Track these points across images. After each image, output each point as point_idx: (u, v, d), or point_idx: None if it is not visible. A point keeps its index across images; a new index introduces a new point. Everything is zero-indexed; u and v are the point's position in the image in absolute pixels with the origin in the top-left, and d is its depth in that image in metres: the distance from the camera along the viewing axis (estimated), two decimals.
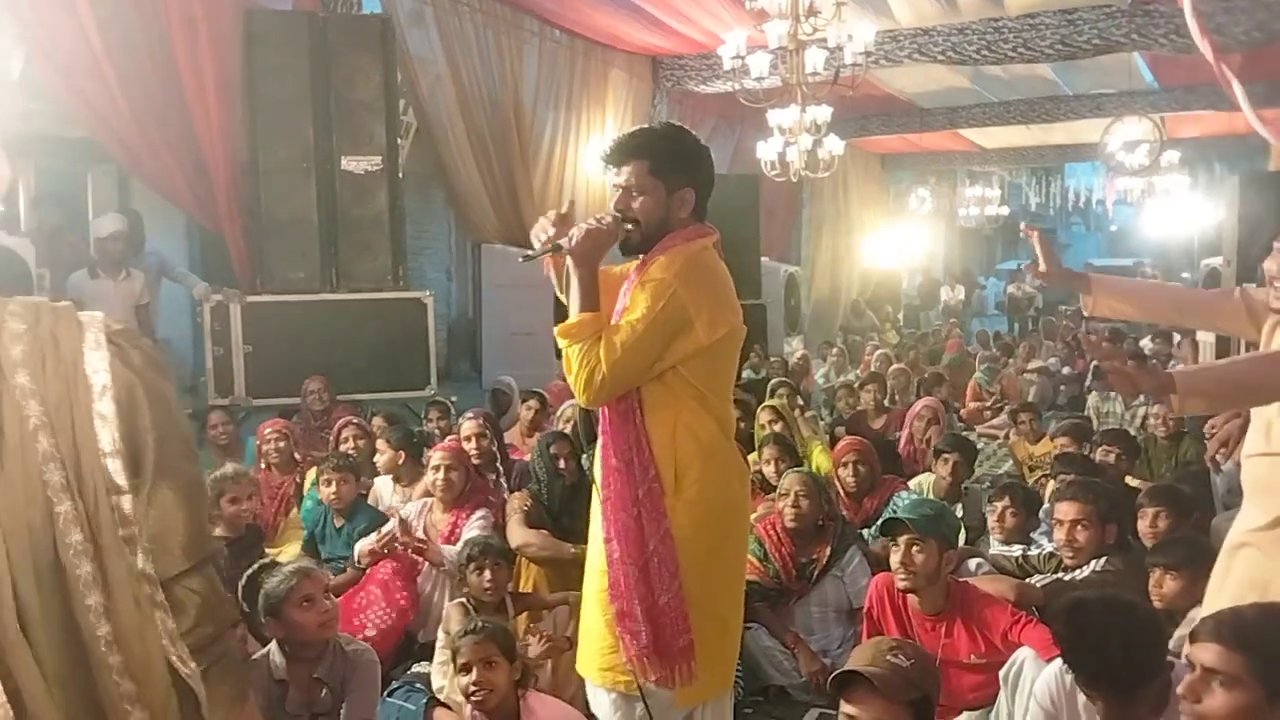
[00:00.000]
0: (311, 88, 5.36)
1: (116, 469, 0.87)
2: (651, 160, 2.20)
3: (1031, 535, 3.71)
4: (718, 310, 2.17)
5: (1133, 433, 5.50)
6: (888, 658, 2.02)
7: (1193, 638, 1.77)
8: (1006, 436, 6.25)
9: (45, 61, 4.61)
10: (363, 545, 3.64)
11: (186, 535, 0.93)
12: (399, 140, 5.86)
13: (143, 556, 0.89)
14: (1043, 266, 2.64)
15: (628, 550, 2.16)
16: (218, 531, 3.60)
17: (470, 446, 4.33)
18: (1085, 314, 2.65)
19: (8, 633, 0.83)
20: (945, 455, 4.39)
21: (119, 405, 0.88)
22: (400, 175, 5.76)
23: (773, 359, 8.63)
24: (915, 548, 2.88)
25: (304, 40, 5.34)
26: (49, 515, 0.85)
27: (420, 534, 3.69)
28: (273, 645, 2.71)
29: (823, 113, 6.90)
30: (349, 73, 5.42)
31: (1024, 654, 2.72)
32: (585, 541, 3.71)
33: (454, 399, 5.85)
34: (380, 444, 4.46)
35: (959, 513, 4.25)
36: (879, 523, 2.98)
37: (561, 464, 3.84)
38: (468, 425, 4.46)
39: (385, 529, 3.60)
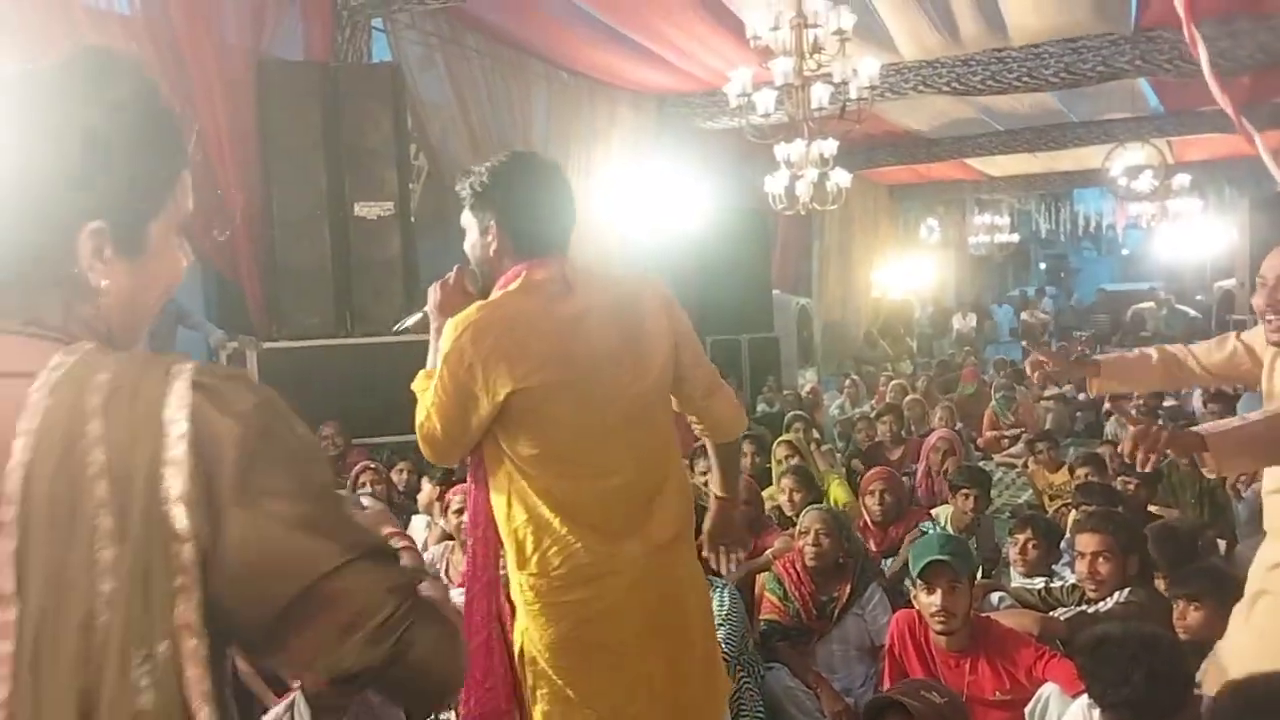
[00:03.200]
0: (324, 136, 5.44)
1: (179, 515, 0.86)
2: (467, 198, 2.05)
3: (1053, 567, 3.68)
4: (502, 369, 1.88)
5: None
6: (922, 693, 2.01)
7: (1217, 699, 1.74)
8: (1025, 465, 6.21)
9: None
10: None
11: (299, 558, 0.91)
12: (410, 185, 5.92)
13: (188, 606, 0.88)
14: (1050, 367, 2.71)
15: (469, 617, 2.06)
16: None
17: None
18: (1090, 394, 2.74)
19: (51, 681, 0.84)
20: (965, 490, 4.36)
21: (196, 451, 0.87)
22: (412, 219, 5.82)
23: (786, 392, 8.62)
24: (956, 589, 2.86)
25: (316, 90, 5.42)
26: (91, 562, 0.85)
27: (443, 576, 3.69)
28: (297, 696, 2.70)
29: (829, 146, 6.94)
30: (360, 120, 5.50)
31: (1049, 690, 2.69)
32: None
33: None
34: (425, 483, 4.50)
35: (973, 544, 4.24)
36: (920, 563, 2.94)
37: None
38: None
39: None
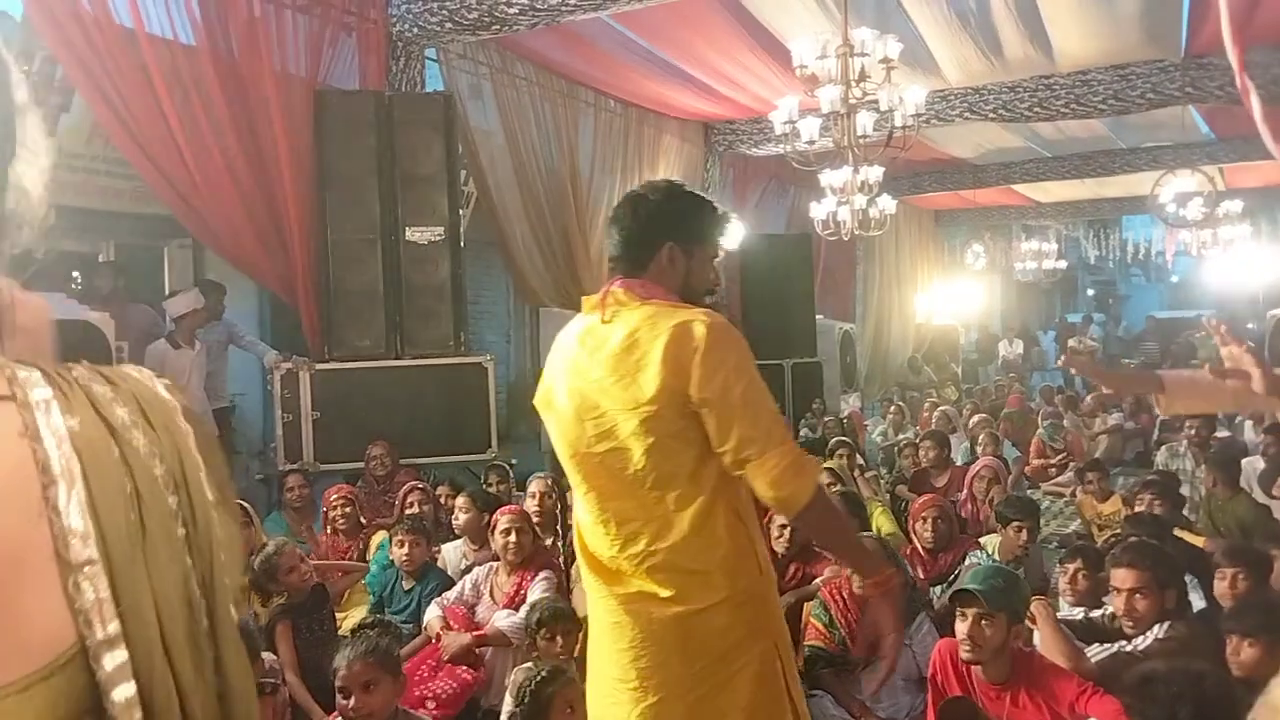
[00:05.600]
0: (378, 163, 5.57)
1: (215, 520, 0.88)
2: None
3: (1103, 599, 3.64)
4: None
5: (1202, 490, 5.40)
6: None
7: None
8: (1073, 494, 6.15)
9: (129, 140, 4.85)
10: (432, 612, 3.69)
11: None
12: (460, 210, 6.04)
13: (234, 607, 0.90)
14: (1107, 389, 2.52)
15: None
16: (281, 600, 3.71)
17: (533, 505, 4.39)
18: (1160, 414, 2.57)
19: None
20: (1017, 523, 4.32)
21: (203, 455, 0.89)
22: (461, 244, 5.93)
23: (828, 418, 8.60)
24: (984, 621, 2.83)
25: (370, 118, 5.56)
26: (185, 572, 0.87)
27: (486, 597, 3.74)
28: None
29: (875, 172, 6.96)
30: (413, 148, 5.62)
31: None
32: None
33: (514, 461, 5.92)
34: (462, 503, 4.51)
35: (1021, 573, 4.20)
36: (951, 589, 2.95)
37: None
38: (536, 483, 4.53)
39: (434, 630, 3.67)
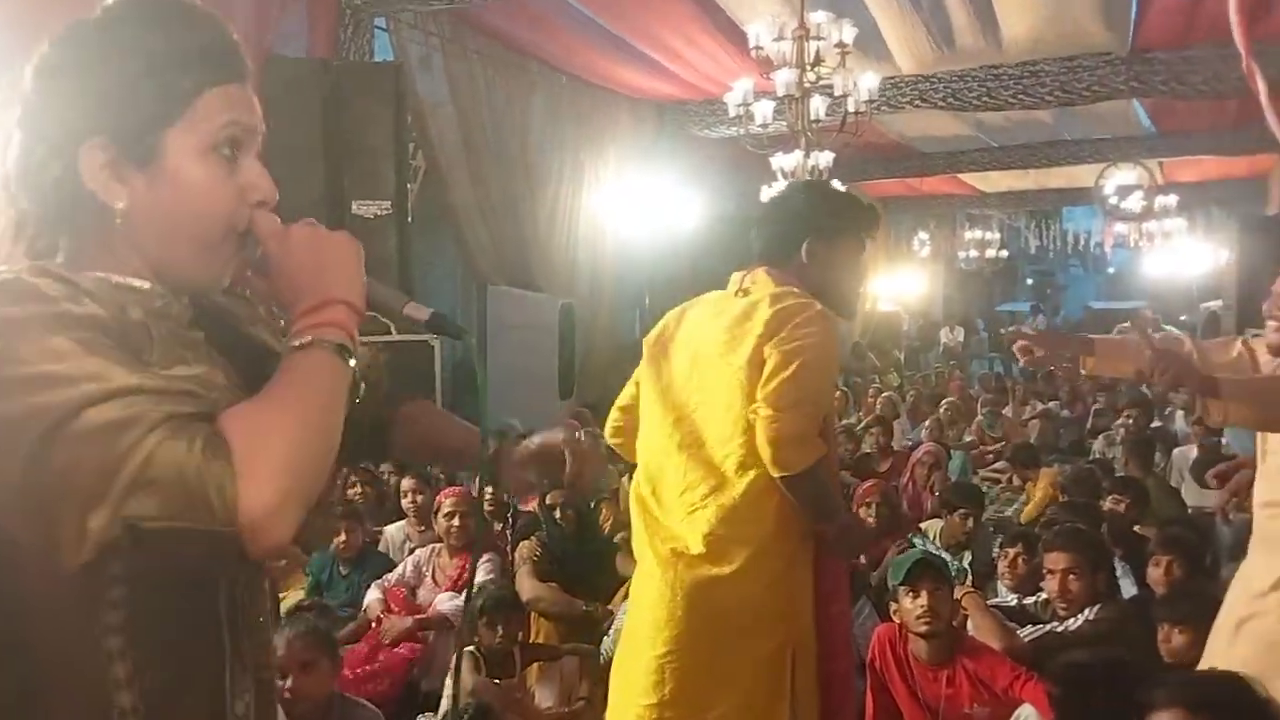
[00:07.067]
0: (324, 133, 5.43)
1: None
2: None
3: (1040, 585, 3.71)
4: None
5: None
6: None
7: (1149, 705, 1.76)
8: (1010, 480, 6.26)
9: None
10: (372, 594, 3.64)
11: None
12: (409, 184, 5.92)
13: None
14: (1039, 352, 2.53)
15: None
16: None
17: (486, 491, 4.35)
18: (1083, 372, 2.62)
19: None
20: (962, 510, 4.40)
21: None
22: (409, 219, 5.82)
23: None
24: (939, 593, 2.90)
25: (317, 87, 5.41)
26: None
27: (429, 580, 3.70)
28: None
29: (825, 158, 6.98)
30: (361, 119, 5.49)
31: (1026, 711, 2.72)
32: (595, 593, 3.75)
33: None
34: (411, 485, 4.46)
35: (968, 558, 4.27)
36: (904, 568, 2.98)
37: (557, 514, 3.85)
38: None
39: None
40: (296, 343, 0.98)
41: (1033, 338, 2.58)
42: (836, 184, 7.33)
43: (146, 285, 1.00)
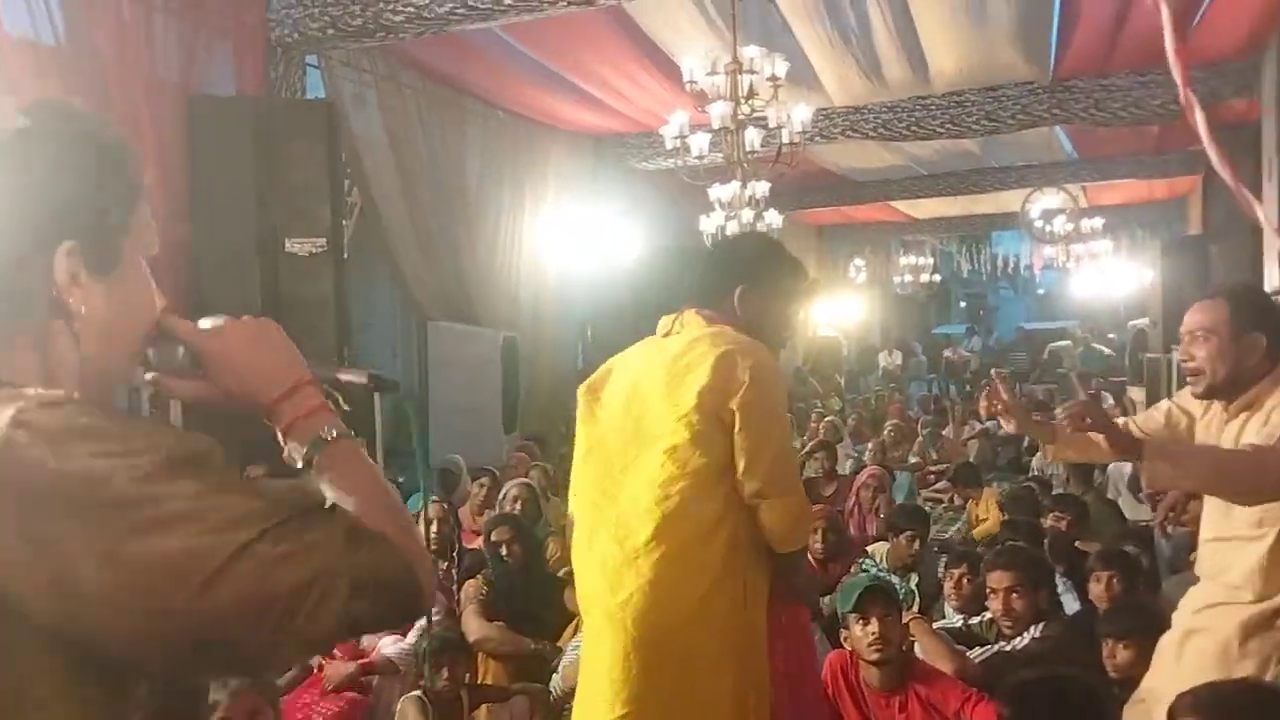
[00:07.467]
0: (255, 172, 5.34)
1: None
2: None
3: (985, 604, 3.74)
4: None
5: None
6: None
7: (1171, 715, 1.80)
8: (951, 499, 6.34)
9: None
10: None
11: None
12: (344, 221, 5.86)
13: None
14: (1013, 428, 2.64)
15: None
16: None
17: (432, 531, 4.28)
18: (1046, 460, 2.74)
19: None
20: (909, 532, 4.43)
21: None
22: (345, 256, 5.74)
23: None
24: (889, 619, 2.90)
25: (248, 126, 5.33)
26: None
27: None
28: None
29: (762, 187, 7.06)
30: (293, 157, 5.41)
31: None
32: (543, 631, 3.70)
33: (400, 480, 5.76)
34: None
35: (915, 580, 4.30)
36: (853, 595, 2.99)
37: (504, 550, 3.80)
38: (433, 508, 4.41)
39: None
40: (325, 436, 1.08)
41: (1005, 410, 2.62)
42: (775, 220, 7.45)
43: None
